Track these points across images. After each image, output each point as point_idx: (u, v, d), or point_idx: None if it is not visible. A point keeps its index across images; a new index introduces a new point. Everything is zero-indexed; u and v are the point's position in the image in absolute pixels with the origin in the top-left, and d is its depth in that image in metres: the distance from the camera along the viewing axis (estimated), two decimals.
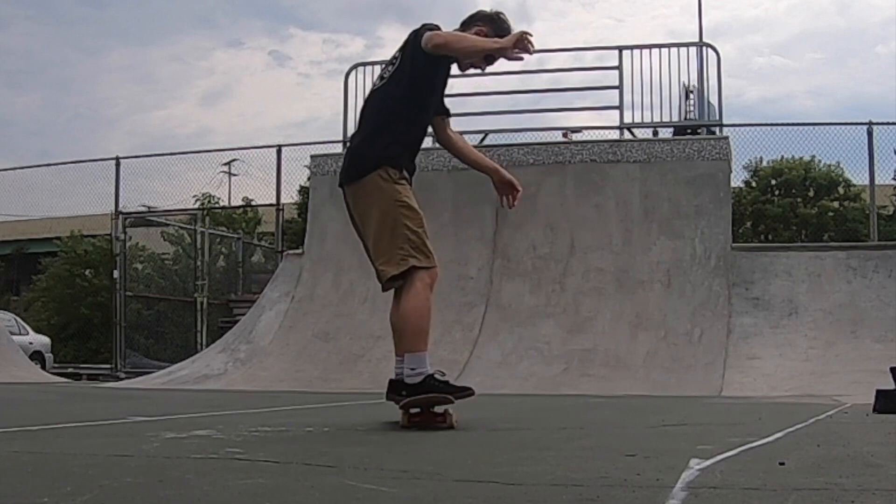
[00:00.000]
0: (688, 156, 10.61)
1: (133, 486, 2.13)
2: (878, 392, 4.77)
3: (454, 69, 4.06)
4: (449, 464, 2.63)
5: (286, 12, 77.45)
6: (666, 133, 12.19)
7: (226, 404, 6.00)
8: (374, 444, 3.32)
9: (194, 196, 19.69)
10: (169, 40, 72.16)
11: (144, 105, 66.92)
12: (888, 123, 12.15)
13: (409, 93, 3.87)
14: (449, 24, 4.03)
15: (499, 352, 9.70)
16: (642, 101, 11.60)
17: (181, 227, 18.50)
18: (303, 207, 15.76)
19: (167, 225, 18.51)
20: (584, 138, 12.19)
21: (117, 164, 15.63)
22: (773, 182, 18.34)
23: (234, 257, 17.69)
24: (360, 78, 12.15)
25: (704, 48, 11.96)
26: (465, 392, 3.75)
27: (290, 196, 16.78)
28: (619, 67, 11.51)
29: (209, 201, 20.56)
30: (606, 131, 12.11)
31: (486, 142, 12.23)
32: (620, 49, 11.66)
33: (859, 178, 13.93)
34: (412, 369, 3.67)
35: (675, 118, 12.11)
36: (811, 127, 14.83)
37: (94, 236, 20.41)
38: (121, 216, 15.25)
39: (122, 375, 13.50)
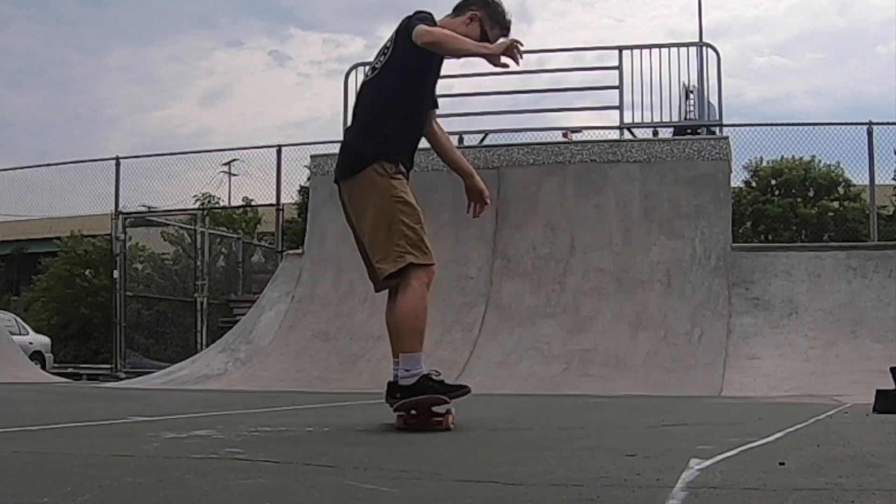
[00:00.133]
0: (688, 156, 10.61)
1: (133, 486, 2.14)
2: (878, 392, 4.77)
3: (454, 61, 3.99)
4: (449, 464, 2.63)
5: (286, 12, 77.49)
6: (666, 133, 12.18)
7: (226, 404, 6.00)
8: (374, 444, 3.32)
9: (194, 196, 19.73)
10: (169, 40, 72.19)
11: (144, 105, 66.97)
12: (888, 123, 12.16)
13: (402, 83, 3.76)
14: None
15: (499, 352, 9.70)
16: (642, 101, 11.63)
17: (181, 227, 18.51)
18: (303, 207, 15.76)
19: (167, 225, 18.52)
20: (584, 138, 12.19)
21: (117, 164, 15.63)
22: (773, 182, 18.33)
23: (234, 257, 17.69)
24: (360, 78, 12.07)
25: (704, 48, 11.96)
26: (461, 391, 3.68)
27: (290, 196, 16.80)
28: (619, 67, 11.51)
29: (209, 201, 20.57)
30: (606, 131, 12.13)
31: (486, 142, 12.22)
32: (620, 49, 11.66)
33: (859, 178, 13.94)
34: (406, 370, 3.61)
35: (675, 118, 12.11)
36: (811, 127, 14.85)
37: (94, 236, 20.41)
38: (121, 216, 15.25)
39: (122, 375, 13.50)
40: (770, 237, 17.21)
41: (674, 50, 11.71)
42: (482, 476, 2.31)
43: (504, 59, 3.64)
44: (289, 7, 77.02)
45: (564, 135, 12.72)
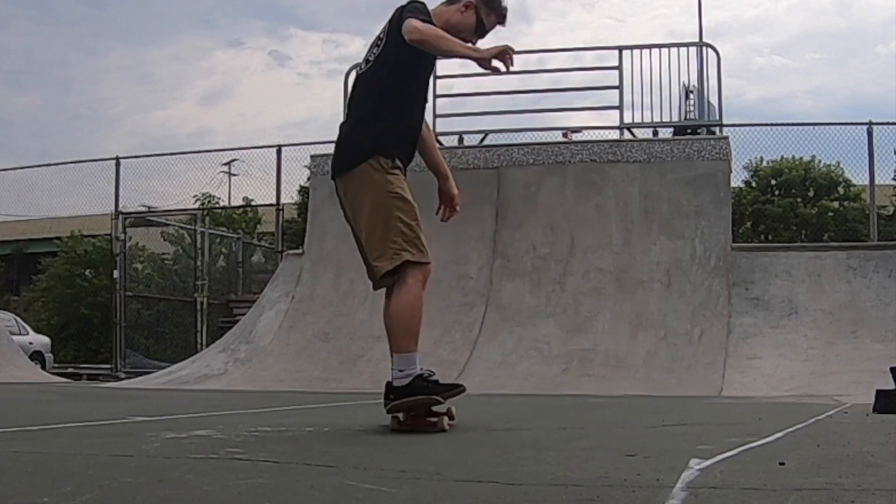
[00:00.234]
0: (688, 156, 10.61)
1: (133, 486, 2.14)
2: (878, 392, 4.77)
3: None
4: (449, 464, 2.63)
5: (286, 12, 77.54)
6: (666, 133, 12.18)
7: (226, 404, 6.00)
8: (374, 444, 3.31)
9: (194, 196, 19.74)
10: (169, 40, 72.24)
11: (144, 105, 67.02)
12: (888, 123, 12.16)
13: (396, 75, 3.67)
14: None
15: (499, 352, 9.69)
16: (642, 101, 11.63)
17: (181, 227, 18.51)
18: (303, 207, 15.76)
19: (167, 225, 18.51)
20: (584, 138, 12.19)
21: (117, 164, 15.63)
22: (773, 182, 18.34)
23: (234, 257, 17.69)
24: None
25: (704, 48, 11.96)
26: (455, 390, 3.63)
27: (290, 196, 16.81)
28: (619, 67, 11.51)
29: (209, 201, 20.58)
30: (606, 131, 12.12)
31: (486, 142, 12.21)
32: (620, 49, 11.65)
33: (859, 178, 13.95)
34: (400, 371, 3.56)
35: (675, 118, 12.11)
36: (811, 127, 14.86)
37: (94, 236, 20.41)
38: (121, 216, 15.25)
39: (122, 375, 13.50)
40: (770, 237, 17.21)
41: (674, 50, 11.72)
42: (482, 476, 2.31)
43: (495, 63, 3.55)
44: (289, 7, 77.13)
45: (564, 135, 12.72)
